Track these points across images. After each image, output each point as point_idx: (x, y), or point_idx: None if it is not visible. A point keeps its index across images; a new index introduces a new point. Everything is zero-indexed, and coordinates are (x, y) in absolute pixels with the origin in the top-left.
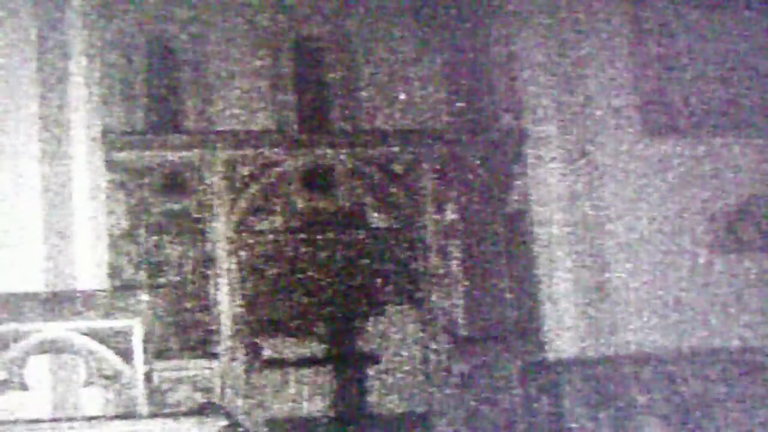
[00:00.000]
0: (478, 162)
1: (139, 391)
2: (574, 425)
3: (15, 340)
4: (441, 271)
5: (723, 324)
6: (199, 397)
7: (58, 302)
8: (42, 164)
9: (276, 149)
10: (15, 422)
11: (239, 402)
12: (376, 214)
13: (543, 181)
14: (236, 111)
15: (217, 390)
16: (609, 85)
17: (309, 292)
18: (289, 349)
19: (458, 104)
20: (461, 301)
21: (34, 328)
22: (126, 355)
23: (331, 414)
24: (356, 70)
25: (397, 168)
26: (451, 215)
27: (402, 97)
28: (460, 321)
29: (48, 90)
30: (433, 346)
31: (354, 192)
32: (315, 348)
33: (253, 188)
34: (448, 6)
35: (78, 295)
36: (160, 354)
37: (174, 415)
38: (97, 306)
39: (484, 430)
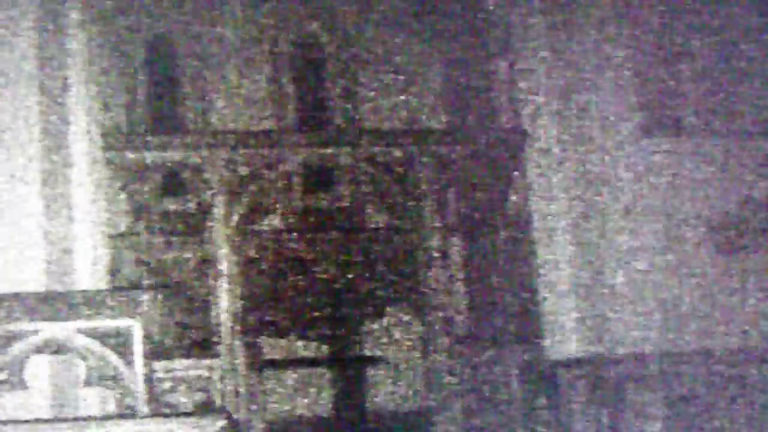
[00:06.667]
0: (478, 162)
1: (139, 391)
2: (574, 425)
3: (15, 340)
4: (441, 272)
5: (723, 324)
6: (199, 397)
7: (58, 302)
8: (42, 164)
9: (276, 149)
10: (15, 422)
11: (239, 402)
12: (376, 214)
13: (543, 181)
14: (236, 111)
15: (217, 390)
16: (609, 85)
17: (309, 292)
18: (289, 349)
19: (458, 104)
20: (461, 301)
21: (34, 328)
22: (126, 355)
23: (331, 414)
24: (356, 70)
25: (397, 168)
26: (451, 215)
27: (402, 97)
28: (460, 321)
29: (48, 90)
30: (433, 346)
31: (354, 192)
32: (315, 348)
33: (253, 188)
34: (448, 6)
35: (78, 295)
36: (160, 354)
37: (174, 415)
38: (97, 306)
39: (484, 430)
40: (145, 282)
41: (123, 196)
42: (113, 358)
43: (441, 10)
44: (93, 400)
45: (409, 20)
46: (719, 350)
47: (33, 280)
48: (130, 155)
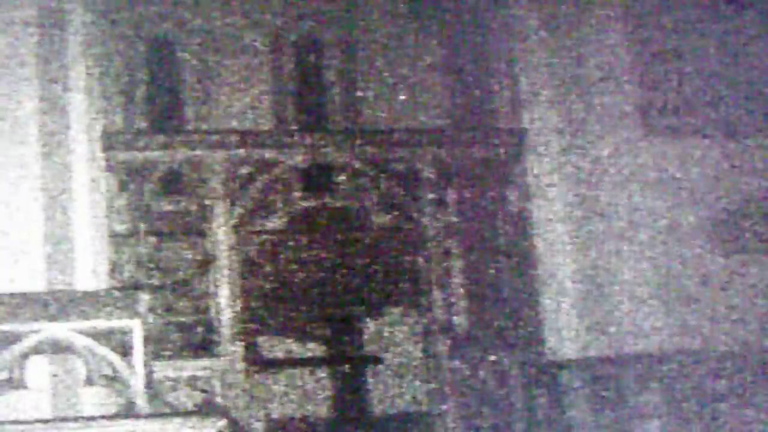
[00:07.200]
0: (478, 162)
1: (139, 391)
2: (574, 425)
3: (15, 340)
4: (441, 271)
5: (723, 324)
6: (199, 397)
7: (58, 302)
8: (42, 164)
9: (276, 149)
10: (15, 422)
11: (239, 402)
12: (376, 214)
13: (543, 181)
14: (236, 111)
15: (217, 390)
16: (609, 85)
17: (309, 292)
18: (289, 349)
19: (458, 104)
20: (461, 301)
21: (34, 328)
22: (126, 355)
23: (331, 414)
24: (356, 70)
25: (397, 168)
26: (451, 215)
27: (402, 97)
28: (460, 321)
29: (48, 90)
30: (433, 346)
31: (354, 192)
32: (315, 348)
33: (253, 188)
34: (448, 6)
35: (78, 295)
36: (160, 354)
37: (174, 415)
38: (97, 306)
39: (484, 430)
40: (145, 282)
41: (123, 196)
42: (113, 358)
43: (441, 11)
44: (93, 400)
45: (409, 21)
46: (720, 350)
47: (33, 280)
48: (130, 155)
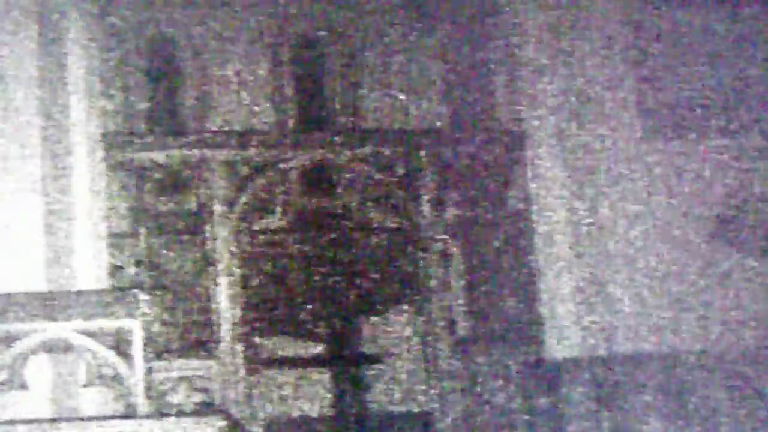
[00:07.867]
0: (478, 162)
1: (139, 391)
2: (574, 425)
3: (15, 340)
4: (441, 271)
5: (722, 324)
6: (199, 397)
7: (58, 302)
8: (42, 164)
9: (276, 149)
10: (15, 422)
11: (239, 402)
12: (376, 214)
13: (543, 181)
14: (236, 111)
15: (217, 390)
16: (609, 85)
17: (309, 291)
18: (289, 349)
19: (458, 104)
20: (461, 301)
21: (34, 328)
22: (126, 355)
23: (331, 414)
24: (356, 71)
25: (397, 168)
26: (451, 216)
27: (402, 97)
28: (460, 321)
29: (48, 90)
30: (433, 346)
31: (354, 192)
32: (315, 348)
33: (253, 188)
34: (448, 6)
35: (78, 295)
36: (160, 354)
37: (174, 415)
38: (97, 306)
39: (484, 430)
40: (145, 282)
41: (123, 196)
42: (113, 358)
43: (441, 11)
44: (93, 400)
45: (409, 21)
46: (718, 350)
47: (33, 280)
48: (130, 155)
